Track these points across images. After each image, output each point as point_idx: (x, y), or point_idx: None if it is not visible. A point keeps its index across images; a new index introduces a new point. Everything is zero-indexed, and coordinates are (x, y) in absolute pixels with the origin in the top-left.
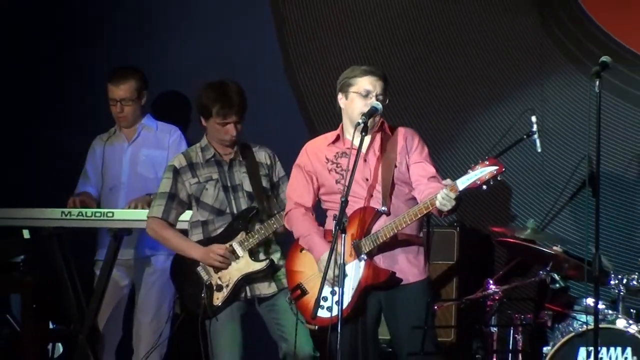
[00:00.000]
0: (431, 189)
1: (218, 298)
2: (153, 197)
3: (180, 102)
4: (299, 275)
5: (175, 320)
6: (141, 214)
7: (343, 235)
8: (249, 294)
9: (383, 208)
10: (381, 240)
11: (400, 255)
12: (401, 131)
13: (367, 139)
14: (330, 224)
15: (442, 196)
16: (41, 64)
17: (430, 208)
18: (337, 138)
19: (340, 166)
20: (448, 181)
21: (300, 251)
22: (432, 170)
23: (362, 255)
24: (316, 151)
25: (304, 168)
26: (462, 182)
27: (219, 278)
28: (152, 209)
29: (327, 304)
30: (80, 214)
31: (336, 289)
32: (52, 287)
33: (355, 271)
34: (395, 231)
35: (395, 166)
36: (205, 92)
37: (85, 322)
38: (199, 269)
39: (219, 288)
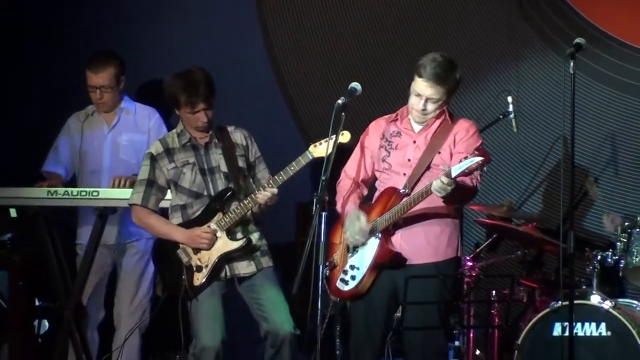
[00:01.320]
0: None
1: (198, 279)
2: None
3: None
4: (334, 248)
5: (156, 300)
6: (126, 192)
7: (323, 213)
8: (228, 273)
9: (404, 189)
10: (393, 220)
11: (421, 233)
12: (460, 122)
13: (421, 124)
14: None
15: (438, 181)
16: (26, 47)
17: (427, 194)
18: (397, 117)
19: (391, 144)
20: (445, 167)
21: (342, 226)
22: None
23: (377, 234)
24: (378, 126)
25: (361, 142)
26: (455, 170)
27: (199, 259)
28: (132, 195)
29: (346, 277)
30: (66, 193)
31: (355, 263)
32: (39, 265)
33: (371, 249)
34: (404, 212)
35: (439, 152)
36: (172, 83)
37: (70, 299)
38: (179, 251)
39: (199, 269)
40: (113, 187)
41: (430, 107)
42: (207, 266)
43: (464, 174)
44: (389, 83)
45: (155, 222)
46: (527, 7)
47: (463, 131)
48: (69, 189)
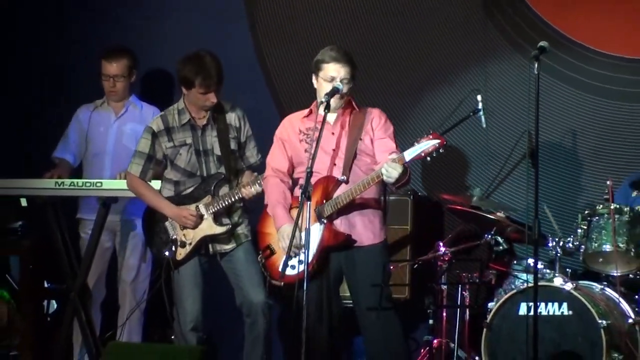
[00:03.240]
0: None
1: (181, 254)
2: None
3: (164, 82)
4: (268, 237)
5: (155, 280)
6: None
7: (308, 202)
8: (211, 250)
9: (342, 177)
10: (339, 206)
11: (358, 219)
12: (370, 110)
13: (335, 115)
14: (298, 192)
15: (388, 164)
16: (40, 43)
17: (378, 179)
18: (310, 113)
19: (310, 137)
20: (394, 155)
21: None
22: (392, 146)
23: (322, 220)
24: (292, 123)
25: (280, 137)
26: (409, 154)
27: (184, 235)
28: (131, 165)
29: (291, 263)
30: (72, 184)
31: (300, 252)
32: (47, 250)
33: (316, 234)
34: (351, 198)
35: (361, 139)
36: (185, 66)
37: (76, 281)
38: (167, 224)
39: (183, 244)
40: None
41: (345, 89)
42: (190, 244)
43: (420, 157)
44: (368, 80)
45: (148, 192)
46: (495, 13)
47: (377, 118)
48: (75, 180)
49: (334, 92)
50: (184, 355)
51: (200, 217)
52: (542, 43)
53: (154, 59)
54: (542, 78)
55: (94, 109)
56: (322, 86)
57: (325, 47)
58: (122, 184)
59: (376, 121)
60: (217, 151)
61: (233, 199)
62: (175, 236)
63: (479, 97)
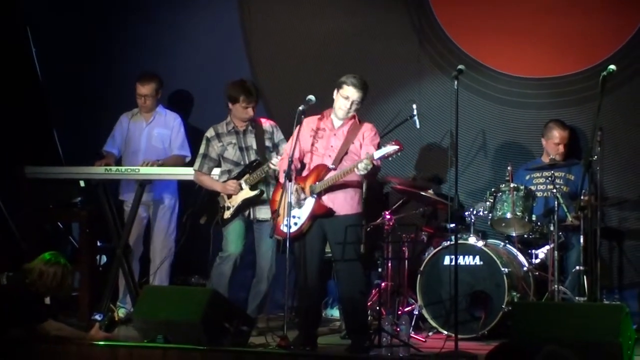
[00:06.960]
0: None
1: (227, 214)
2: (162, 161)
3: (185, 97)
4: (276, 204)
5: (179, 240)
6: (157, 170)
7: (290, 183)
8: (251, 215)
9: (332, 166)
10: (326, 186)
11: (340, 194)
12: (365, 124)
13: (341, 122)
14: (304, 173)
15: (362, 163)
16: (98, 67)
17: (352, 170)
18: (322, 117)
19: (317, 134)
20: (367, 154)
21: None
22: (373, 151)
23: (314, 195)
24: (309, 123)
25: (298, 132)
26: (377, 154)
27: (230, 202)
28: (195, 164)
29: (290, 224)
30: (117, 170)
31: (296, 214)
32: (99, 218)
33: (309, 204)
34: (335, 181)
35: (353, 142)
36: (232, 87)
37: (121, 241)
38: (219, 198)
39: (229, 208)
40: (143, 166)
41: (353, 107)
42: (233, 206)
43: (384, 157)
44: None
45: (205, 179)
46: (426, 45)
47: (368, 130)
48: (120, 167)
49: (307, 102)
50: (198, 293)
51: (240, 187)
52: (460, 66)
53: (177, 76)
54: (460, 92)
55: (131, 117)
56: (338, 100)
57: (304, 66)
58: (153, 170)
59: (367, 133)
60: (255, 147)
61: (263, 174)
62: (223, 204)
63: (414, 106)
